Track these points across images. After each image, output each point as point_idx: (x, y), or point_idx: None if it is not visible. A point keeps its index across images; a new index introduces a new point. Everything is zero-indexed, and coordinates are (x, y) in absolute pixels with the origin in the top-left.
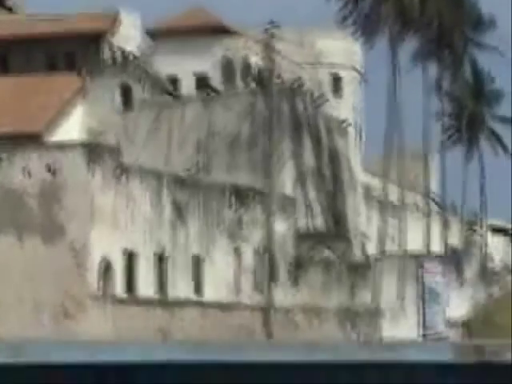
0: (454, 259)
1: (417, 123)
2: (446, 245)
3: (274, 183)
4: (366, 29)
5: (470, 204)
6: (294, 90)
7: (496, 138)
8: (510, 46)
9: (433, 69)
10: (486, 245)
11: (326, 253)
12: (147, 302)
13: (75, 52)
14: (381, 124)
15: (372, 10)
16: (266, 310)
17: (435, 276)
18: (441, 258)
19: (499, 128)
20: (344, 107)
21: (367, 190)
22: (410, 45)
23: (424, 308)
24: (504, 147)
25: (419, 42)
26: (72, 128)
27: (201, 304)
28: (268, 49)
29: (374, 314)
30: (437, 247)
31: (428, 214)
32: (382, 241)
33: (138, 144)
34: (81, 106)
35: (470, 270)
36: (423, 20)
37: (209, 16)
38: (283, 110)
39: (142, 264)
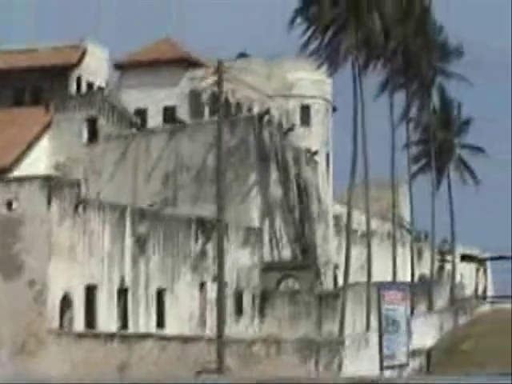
0: (423, 287)
1: (387, 152)
2: (413, 273)
3: (238, 215)
4: (330, 59)
5: (441, 233)
6: (261, 120)
7: (465, 166)
8: (478, 73)
9: (401, 97)
10: (455, 273)
11: (293, 284)
12: (106, 337)
13: (42, 86)
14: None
15: (333, 40)
16: (219, 343)
17: (394, 305)
18: (402, 287)
19: (468, 156)
20: (314, 138)
21: (338, 220)
22: (377, 74)
23: (381, 337)
24: (473, 176)
25: (386, 71)
26: (39, 162)
27: (160, 338)
28: (219, 79)
29: (337, 345)
30: (409, 276)
31: (394, 243)
32: (346, 271)
33: (105, 177)
34: (48, 140)
35: (440, 298)
36: (388, 48)
37: (176, 48)
38: (249, 141)
39: (102, 298)
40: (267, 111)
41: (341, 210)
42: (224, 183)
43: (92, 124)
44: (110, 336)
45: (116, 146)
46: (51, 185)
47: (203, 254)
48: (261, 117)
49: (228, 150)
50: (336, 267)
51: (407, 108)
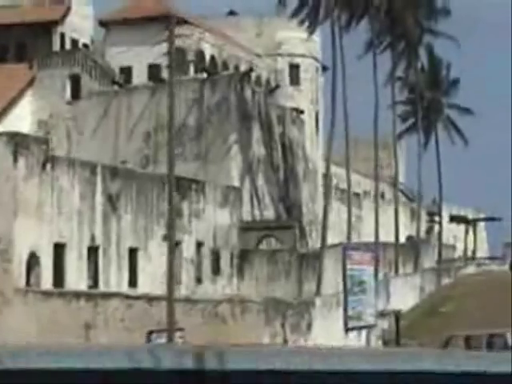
0: (410, 248)
1: (380, 112)
2: (398, 234)
3: (218, 174)
4: (310, 17)
5: (433, 193)
6: (243, 79)
7: (453, 126)
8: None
9: (389, 56)
10: (442, 233)
11: (276, 244)
12: (72, 296)
13: (26, 42)
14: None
15: None
16: (169, 303)
17: (361, 265)
18: (372, 247)
19: (456, 116)
20: (303, 96)
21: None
22: (363, 33)
23: (346, 298)
24: (462, 136)
25: (371, 30)
26: (22, 120)
27: (126, 297)
28: (171, 36)
29: (306, 305)
30: (403, 236)
31: (377, 202)
32: (323, 229)
33: (87, 134)
34: (31, 97)
35: (428, 260)
36: (371, 6)
37: (162, 5)
38: (231, 100)
39: (72, 256)
40: (250, 69)
41: (332, 169)
42: (206, 142)
43: (75, 81)
44: (77, 294)
45: (98, 104)
46: (17, 141)
47: (178, 213)
48: (243, 75)
49: (208, 108)
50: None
51: (393, 67)
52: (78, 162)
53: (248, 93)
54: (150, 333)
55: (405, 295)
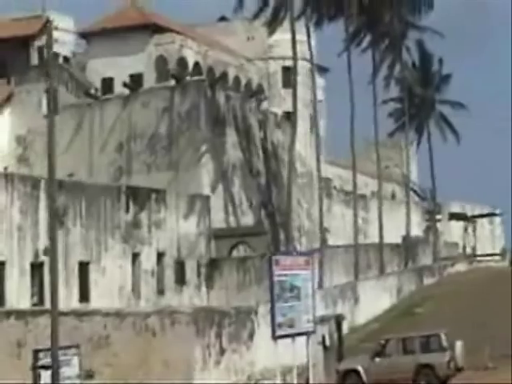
0: (406, 248)
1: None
2: (382, 233)
3: (188, 182)
4: (273, 17)
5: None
6: (215, 84)
7: (445, 122)
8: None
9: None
10: (438, 231)
11: (246, 251)
12: (1, 314)
13: (5, 57)
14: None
15: None
16: (54, 318)
17: (292, 270)
18: (308, 251)
19: (448, 112)
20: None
21: (328, 183)
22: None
23: (273, 306)
24: (454, 132)
25: (345, 28)
26: (1, 135)
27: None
28: (48, 40)
29: (248, 313)
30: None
31: (355, 202)
32: (288, 233)
33: (62, 148)
34: (9, 113)
35: (426, 259)
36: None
37: (143, 14)
38: (201, 106)
39: (13, 274)
40: (224, 74)
41: (332, 171)
42: (177, 151)
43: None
44: (6, 313)
45: (71, 117)
46: None
47: (136, 224)
48: (216, 80)
49: (179, 116)
50: (326, 230)
51: (374, 66)
52: (17, 177)
53: (221, 98)
54: (37, 352)
55: (378, 297)
